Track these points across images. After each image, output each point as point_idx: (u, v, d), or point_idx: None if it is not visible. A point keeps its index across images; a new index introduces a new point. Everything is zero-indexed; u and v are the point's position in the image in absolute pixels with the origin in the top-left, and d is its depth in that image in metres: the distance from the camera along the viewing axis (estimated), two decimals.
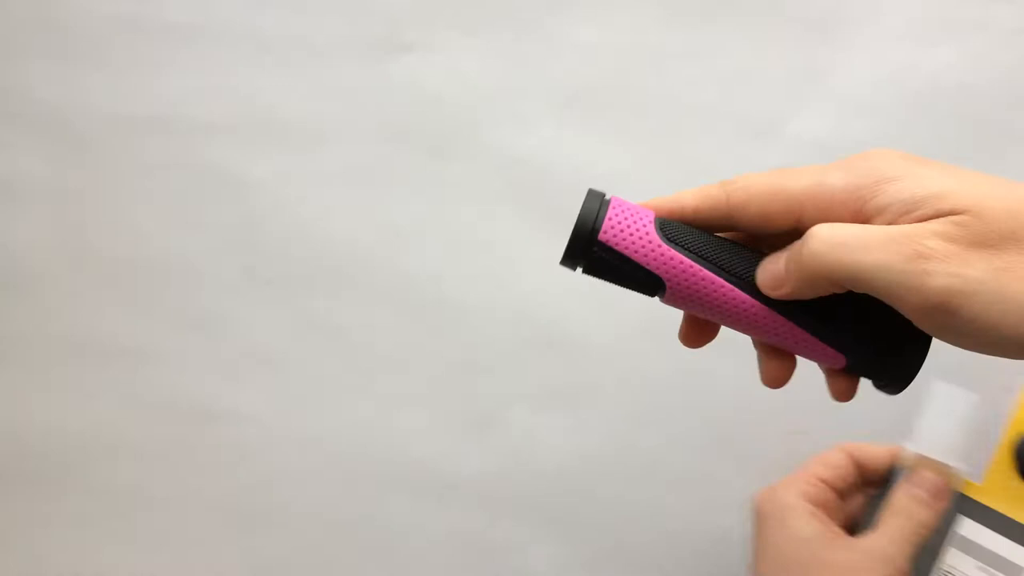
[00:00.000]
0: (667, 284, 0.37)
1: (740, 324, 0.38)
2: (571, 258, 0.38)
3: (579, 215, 0.37)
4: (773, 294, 0.36)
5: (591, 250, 0.37)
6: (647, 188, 0.64)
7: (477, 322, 0.65)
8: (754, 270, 0.37)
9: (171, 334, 0.67)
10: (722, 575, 0.65)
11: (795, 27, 0.62)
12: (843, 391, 0.39)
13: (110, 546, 0.68)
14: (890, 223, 0.34)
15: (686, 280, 0.37)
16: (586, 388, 0.65)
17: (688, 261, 0.37)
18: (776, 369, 0.40)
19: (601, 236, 0.37)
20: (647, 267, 0.37)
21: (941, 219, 0.33)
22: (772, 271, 0.37)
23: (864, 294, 0.34)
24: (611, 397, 0.65)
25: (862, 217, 0.35)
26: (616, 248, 0.37)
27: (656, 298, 0.39)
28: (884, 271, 0.33)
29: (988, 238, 0.33)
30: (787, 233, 0.37)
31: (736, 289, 0.37)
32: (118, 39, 0.65)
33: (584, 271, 0.38)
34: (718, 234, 0.39)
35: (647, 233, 0.37)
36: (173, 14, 0.65)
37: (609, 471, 0.65)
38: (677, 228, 0.38)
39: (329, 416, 0.67)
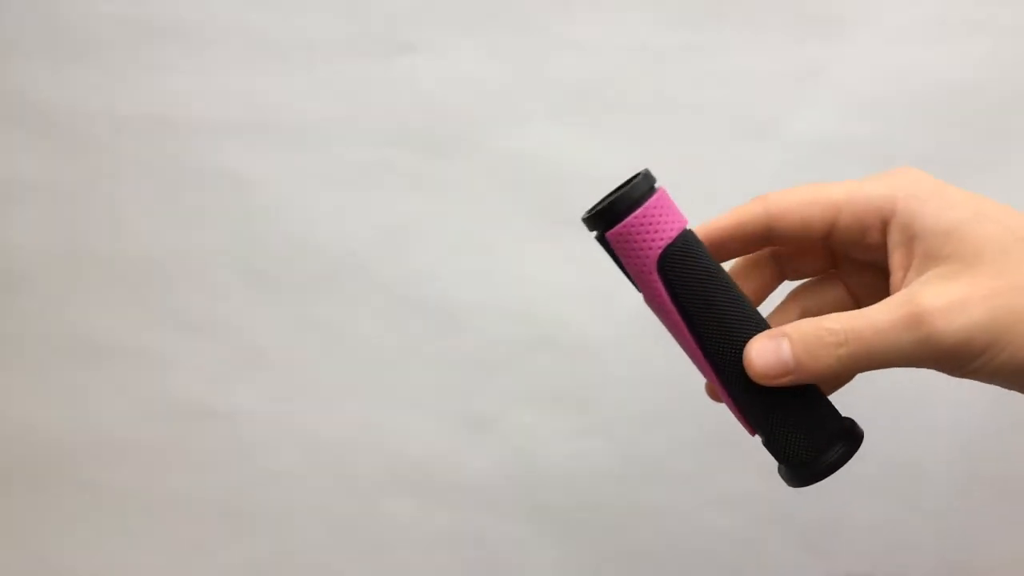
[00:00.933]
0: (645, 300, 0.38)
1: (694, 361, 0.38)
2: (589, 227, 0.38)
3: (617, 197, 0.36)
4: (766, 381, 0.35)
5: (601, 234, 0.37)
6: None
7: (477, 322, 0.65)
8: (730, 338, 0.36)
9: (170, 334, 0.67)
10: (723, 575, 0.65)
11: (795, 27, 0.62)
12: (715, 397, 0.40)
13: (109, 545, 0.68)
14: (906, 243, 0.35)
15: (657, 310, 0.38)
16: (586, 388, 0.65)
17: (665, 297, 0.36)
18: (715, 393, 0.40)
19: (609, 233, 0.36)
20: (634, 280, 0.37)
21: (939, 267, 0.34)
22: (774, 356, 0.35)
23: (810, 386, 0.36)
24: (611, 397, 0.65)
25: (886, 226, 0.36)
26: (616, 250, 0.37)
27: None
28: (895, 350, 0.33)
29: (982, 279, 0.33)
30: (813, 255, 0.40)
31: (696, 345, 0.37)
32: (117, 39, 0.65)
33: (596, 240, 0.39)
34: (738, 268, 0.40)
35: (649, 253, 0.36)
36: (172, 14, 0.65)
37: (609, 471, 0.65)
38: (687, 258, 0.37)
39: (328, 416, 0.67)
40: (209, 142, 0.66)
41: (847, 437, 0.37)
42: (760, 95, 0.63)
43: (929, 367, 0.33)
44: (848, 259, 0.40)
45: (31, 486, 0.68)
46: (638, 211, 0.36)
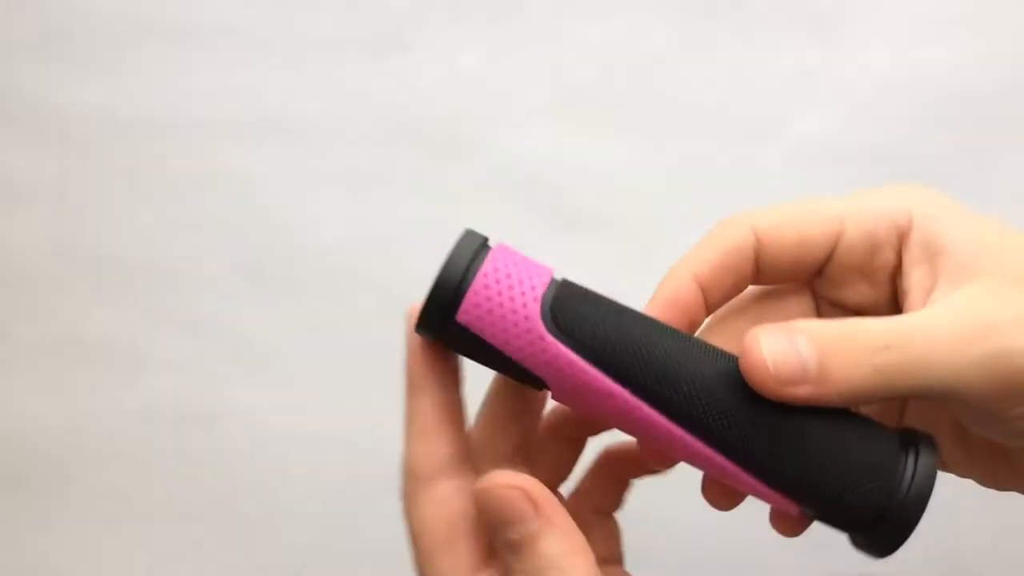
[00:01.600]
0: (551, 386, 0.27)
1: (660, 446, 0.28)
2: (431, 326, 0.27)
3: (438, 275, 0.27)
4: (772, 390, 0.26)
5: (447, 328, 0.27)
6: (647, 188, 0.64)
7: None
8: (689, 374, 0.26)
9: (169, 334, 0.67)
10: (723, 575, 0.65)
11: (796, 26, 0.62)
12: (790, 528, 0.32)
13: (104, 546, 0.68)
14: (929, 260, 0.29)
15: (572, 389, 0.27)
16: None
17: (580, 364, 0.26)
18: (716, 498, 0.33)
19: (460, 316, 0.26)
20: (522, 363, 0.27)
21: (982, 282, 0.28)
22: (790, 354, 0.26)
23: (836, 411, 0.27)
24: None
25: (902, 242, 0.30)
26: (477, 331, 0.26)
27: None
28: (953, 367, 0.26)
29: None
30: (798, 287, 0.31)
31: (646, 408, 0.26)
32: (116, 40, 0.65)
33: (447, 348, 0.28)
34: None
35: (527, 315, 0.26)
36: (172, 14, 0.65)
37: None
38: (578, 304, 0.27)
39: (328, 417, 0.67)
40: (208, 142, 0.66)
41: (914, 444, 0.27)
42: (761, 95, 0.63)
43: (979, 399, 0.26)
44: (831, 305, 0.32)
45: (27, 487, 0.68)
46: (486, 266, 0.27)
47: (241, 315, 0.66)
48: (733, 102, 0.63)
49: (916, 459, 0.26)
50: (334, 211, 0.66)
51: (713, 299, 0.31)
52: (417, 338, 0.29)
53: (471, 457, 0.30)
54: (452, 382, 0.30)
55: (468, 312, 0.26)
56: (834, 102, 0.63)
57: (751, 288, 0.32)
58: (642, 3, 0.63)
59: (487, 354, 0.27)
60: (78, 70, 0.66)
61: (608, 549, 0.38)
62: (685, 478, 0.66)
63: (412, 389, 0.29)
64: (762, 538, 0.68)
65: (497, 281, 0.27)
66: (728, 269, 0.30)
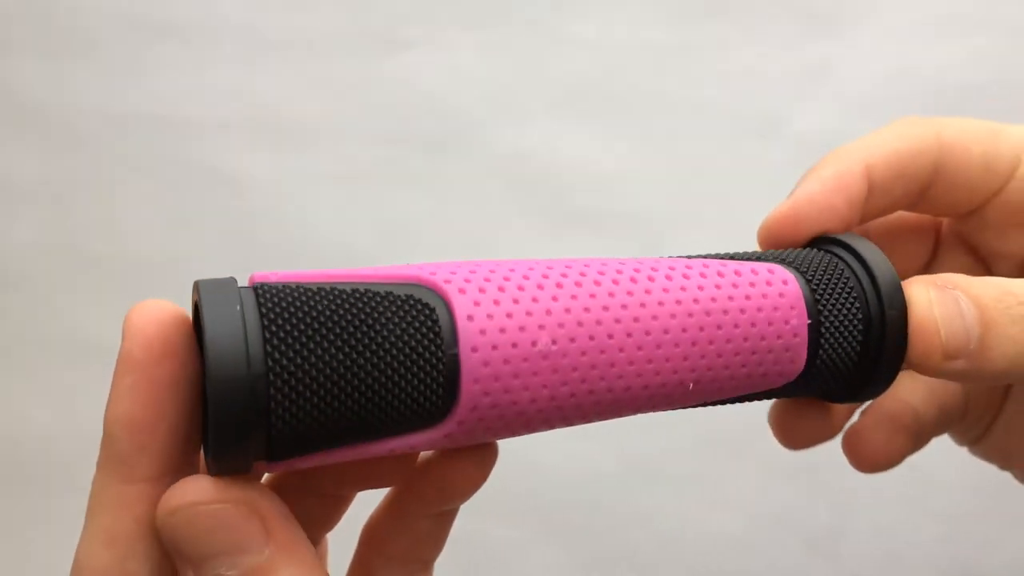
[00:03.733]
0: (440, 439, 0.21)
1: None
2: (231, 462, 0.19)
3: (207, 357, 0.18)
4: (942, 367, 0.20)
5: (258, 428, 0.18)
6: (647, 187, 0.64)
7: None
8: None
9: None
10: None
11: (797, 24, 0.62)
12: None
13: None
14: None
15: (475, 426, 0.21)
16: None
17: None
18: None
19: (271, 461, 0.19)
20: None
21: None
22: (953, 323, 0.20)
23: None
24: None
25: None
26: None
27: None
28: None
29: None
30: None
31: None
32: (111, 36, 0.65)
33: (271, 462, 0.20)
34: None
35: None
36: (168, 10, 0.65)
37: (608, 473, 0.65)
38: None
39: None
40: (207, 141, 0.66)
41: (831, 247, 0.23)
42: (762, 93, 0.63)
43: None
44: (974, 259, 0.26)
45: (27, 487, 0.68)
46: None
47: None
48: (734, 100, 0.63)
49: (859, 259, 0.22)
50: (334, 210, 0.66)
51: (873, 205, 0.24)
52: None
53: None
54: None
55: (281, 458, 0.18)
56: (835, 100, 0.62)
57: (870, 225, 0.26)
58: (642, 1, 0.63)
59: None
60: (71, 67, 0.66)
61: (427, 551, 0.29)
62: (686, 481, 0.66)
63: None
64: (766, 541, 0.68)
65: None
66: (904, 173, 0.24)
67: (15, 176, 0.67)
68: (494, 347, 0.20)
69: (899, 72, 0.62)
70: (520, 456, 0.67)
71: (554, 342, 0.20)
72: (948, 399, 0.26)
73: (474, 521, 0.67)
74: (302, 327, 0.18)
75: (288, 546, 0.19)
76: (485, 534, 0.66)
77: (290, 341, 0.18)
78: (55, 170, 0.67)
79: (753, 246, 0.30)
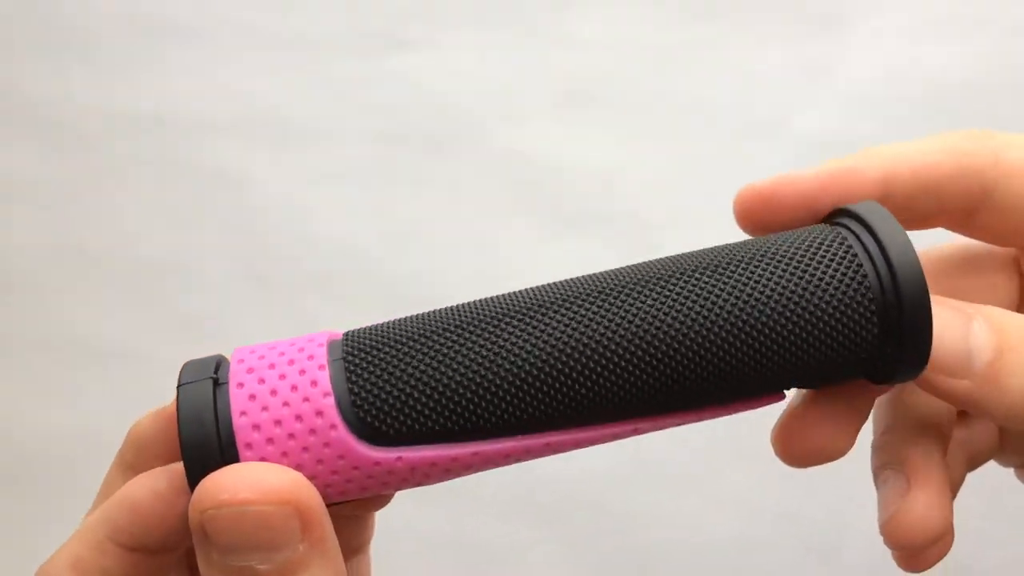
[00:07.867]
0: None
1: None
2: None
3: (182, 446, 0.20)
4: (935, 382, 0.20)
5: None
6: (648, 187, 0.64)
7: None
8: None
9: (168, 334, 0.67)
10: None
11: (798, 24, 0.62)
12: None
13: None
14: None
15: (445, 471, 0.20)
16: None
17: (442, 454, 0.20)
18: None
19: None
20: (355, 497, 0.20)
21: None
22: (952, 338, 0.19)
23: None
24: None
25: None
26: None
27: None
28: None
29: None
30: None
31: (552, 435, 0.21)
32: (113, 36, 0.65)
33: None
34: None
35: (330, 438, 0.19)
36: (170, 11, 0.65)
37: (608, 473, 0.65)
38: (390, 362, 0.20)
39: None
40: (208, 141, 0.66)
41: (848, 223, 0.21)
42: (763, 93, 0.63)
43: None
44: None
45: (27, 487, 0.68)
46: (238, 398, 0.20)
47: (241, 315, 0.66)
48: (734, 100, 0.63)
49: (872, 235, 0.20)
50: (333, 209, 0.66)
51: (911, 215, 0.21)
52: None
53: None
54: None
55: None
56: (835, 100, 0.62)
57: (946, 248, 0.24)
58: (643, 1, 0.63)
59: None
60: (76, 68, 0.66)
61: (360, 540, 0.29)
62: (687, 480, 0.66)
63: None
64: (766, 540, 0.68)
65: (265, 407, 0.19)
66: (934, 190, 0.21)
67: (15, 176, 0.67)
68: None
69: (899, 72, 0.62)
70: None
71: None
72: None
73: (474, 521, 0.67)
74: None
75: (321, 543, 0.19)
76: (485, 534, 0.66)
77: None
78: (55, 170, 0.67)
79: None
